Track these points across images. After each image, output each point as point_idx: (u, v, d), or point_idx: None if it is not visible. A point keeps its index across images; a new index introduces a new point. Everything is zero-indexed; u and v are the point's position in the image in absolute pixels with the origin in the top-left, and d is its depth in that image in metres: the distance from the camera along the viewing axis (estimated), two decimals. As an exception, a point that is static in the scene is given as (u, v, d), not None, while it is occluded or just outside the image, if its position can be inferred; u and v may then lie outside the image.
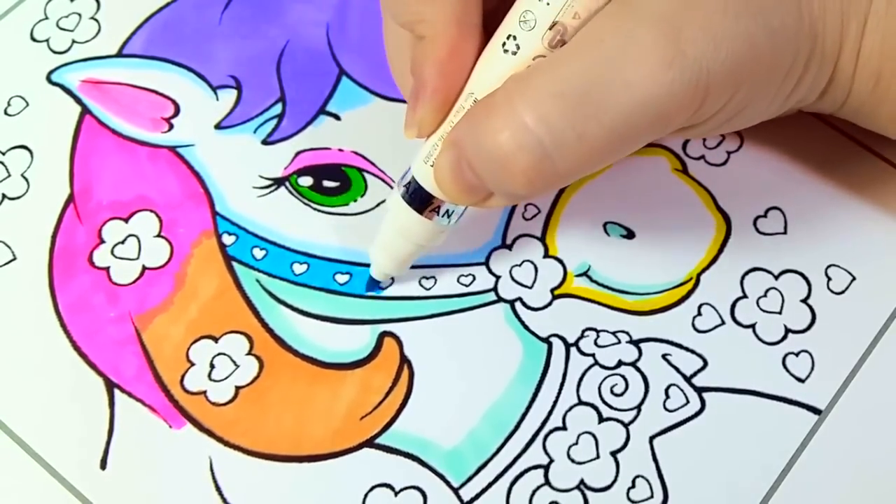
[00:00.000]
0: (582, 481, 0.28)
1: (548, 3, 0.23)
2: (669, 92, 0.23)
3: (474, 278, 0.30)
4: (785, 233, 0.31)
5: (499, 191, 0.25)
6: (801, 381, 0.29)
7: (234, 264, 0.31)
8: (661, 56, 0.22)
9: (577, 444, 0.28)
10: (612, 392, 0.29)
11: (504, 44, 0.24)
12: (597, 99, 0.23)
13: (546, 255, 0.31)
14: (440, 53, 0.25)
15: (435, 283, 0.30)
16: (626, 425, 0.28)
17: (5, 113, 0.34)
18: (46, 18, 0.35)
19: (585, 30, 0.23)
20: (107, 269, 0.31)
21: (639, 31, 0.23)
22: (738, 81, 0.24)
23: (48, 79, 0.34)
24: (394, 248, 0.28)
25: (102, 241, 0.31)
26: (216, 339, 0.30)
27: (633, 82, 0.22)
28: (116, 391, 0.29)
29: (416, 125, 0.26)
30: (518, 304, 0.30)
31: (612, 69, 0.22)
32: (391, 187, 0.32)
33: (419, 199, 0.27)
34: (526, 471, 0.28)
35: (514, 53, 0.24)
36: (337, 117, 0.33)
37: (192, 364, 0.30)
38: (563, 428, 0.28)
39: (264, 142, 0.33)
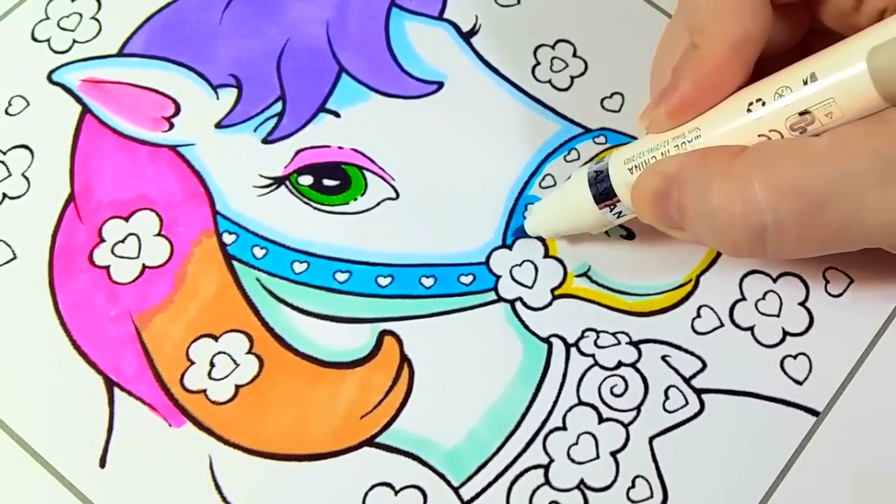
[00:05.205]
0: (582, 481, 0.28)
1: (810, 92, 0.23)
2: (893, 221, 0.23)
3: (475, 278, 0.30)
4: (784, 235, 0.31)
5: (697, 238, 0.26)
6: (799, 383, 0.29)
7: (235, 263, 0.31)
8: None
9: (577, 444, 0.28)
10: (611, 392, 0.29)
11: (751, 104, 0.24)
12: (829, 210, 0.23)
13: (546, 255, 0.31)
14: (705, 67, 0.25)
15: (435, 282, 0.30)
16: (625, 426, 0.29)
17: (6, 112, 0.34)
18: (47, 18, 0.35)
19: (839, 133, 0.23)
20: (107, 267, 0.31)
21: (890, 155, 0.23)
22: None
23: (49, 78, 0.34)
24: (556, 217, 0.29)
25: (102, 240, 0.31)
26: (216, 338, 0.30)
27: (867, 205, 0.23)
28: (116, 390, 0.29)
29: (649, 120, 0.26)
30: (518, 304, 0.30)
31: (854, 187, 0.23)
32: (391, 185, 0.32)
33: (604, 193, 0.27)
34: (526, 470, 0.28)
35: (756, 118, 0.24)
36: (337, 115, 0.33)
37: (192, 363, 0.30)
38: (563, 428, 0.29)
39: (264, 141, 0.33)
